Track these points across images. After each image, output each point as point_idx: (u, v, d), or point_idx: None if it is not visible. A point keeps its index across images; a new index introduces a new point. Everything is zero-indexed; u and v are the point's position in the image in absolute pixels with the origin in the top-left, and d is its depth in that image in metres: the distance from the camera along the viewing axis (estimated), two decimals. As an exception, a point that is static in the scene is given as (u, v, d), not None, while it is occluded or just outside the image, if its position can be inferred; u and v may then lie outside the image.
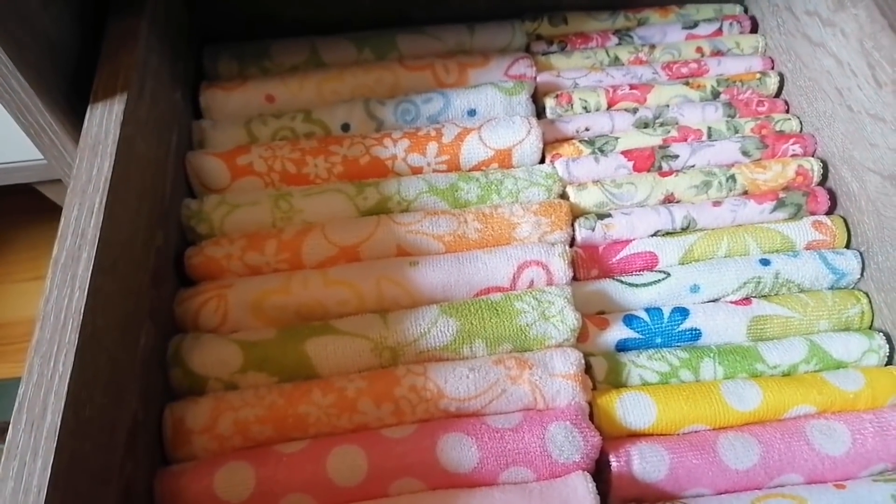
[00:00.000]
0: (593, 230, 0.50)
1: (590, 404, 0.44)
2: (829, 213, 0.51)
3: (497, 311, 0.45)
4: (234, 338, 0.45)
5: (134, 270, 0.41)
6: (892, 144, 0.44)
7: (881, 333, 0.46)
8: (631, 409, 0.44)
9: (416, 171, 0.53)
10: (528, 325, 0.45)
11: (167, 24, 0.53)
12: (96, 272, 0.36)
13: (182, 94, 0.55)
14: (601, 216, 0.50)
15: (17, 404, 0.31)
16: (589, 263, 0.49)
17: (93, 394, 0.34)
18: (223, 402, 0.43)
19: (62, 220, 0.37)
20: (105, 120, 0.42)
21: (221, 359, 0.44)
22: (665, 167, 0.53)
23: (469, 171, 0.54)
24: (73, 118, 0.45)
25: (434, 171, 0.54)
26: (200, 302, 0.47)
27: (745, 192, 0.52)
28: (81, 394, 0.33)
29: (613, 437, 0.44)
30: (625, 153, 0.53)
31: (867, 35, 0.46)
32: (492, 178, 0.52)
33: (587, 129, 0.56)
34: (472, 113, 0.56)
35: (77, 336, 0.33)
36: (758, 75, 0.57)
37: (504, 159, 0.53)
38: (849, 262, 0.48)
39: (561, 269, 0.47)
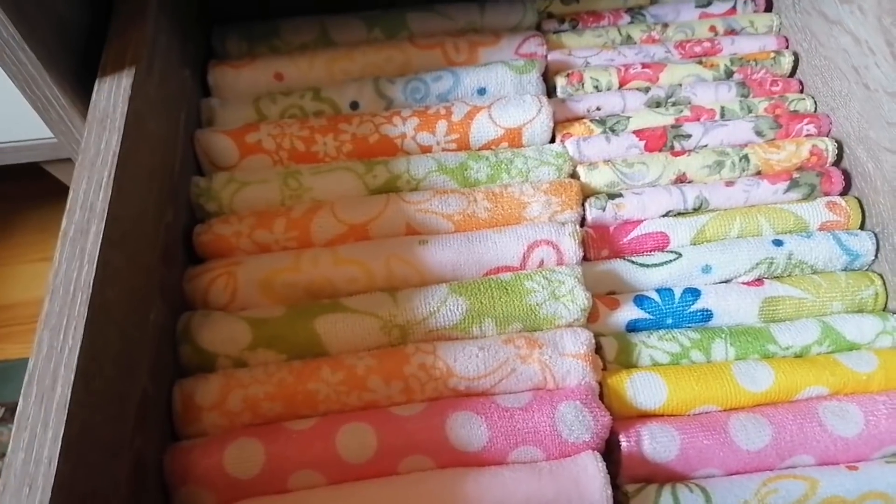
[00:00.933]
0: (604, 210, 0.50)
1: (600, 384, 0.44)
2: (844, 193, 0.51)
3: (507, 290, 0.45)
4: (243, 315, 0.45)
5: (143, 246, 0.41)
6: (910, 123, 0.43)
7: (895, 315, 0.46)
8: (641, 389, 0.43)
9: (426, 149, 0.53)
10: (538, 304, 0.45)
11: (176, 3, 0.52)
12: (105, 246, 0.36)
13: (191, 73, 0.54)
14: (612, 196, 0.50)
15: (27, 376, 0.31)
16: (599, 243, 0.49)
17: (102, 366, 0.34)
18: (233, 379, 0.43)
19: (70, 193, 0.37)
20: (113, 94, 0.42)
21: (231, 336, 0.44)
22: (677, 147, 0.52)
23: (479, 149, 0.53)
24: (82, 93, 0.45)
25: (444, 149, 0.53)
26: (210, 279, 0.46)
27: (759, 173, 0.51)
28: (91, 366, 0.32)
29: (624, 417, 0.43)
30: (636, 133, 0.53)
31: (885, 11, 0.45)
32: (502, 157, 0.51)
33: (598, 109, 0.55)
34: (482, 91, 0.55)
35: (87, 308, 0.33)
36: (772, 54, 0.56)
37: (514, 138, 0.53)
38: (863, 244, 0.48)
39: (571, 249, 0.47)
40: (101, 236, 0.35)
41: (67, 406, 0.30)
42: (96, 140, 0.39)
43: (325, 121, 0.53)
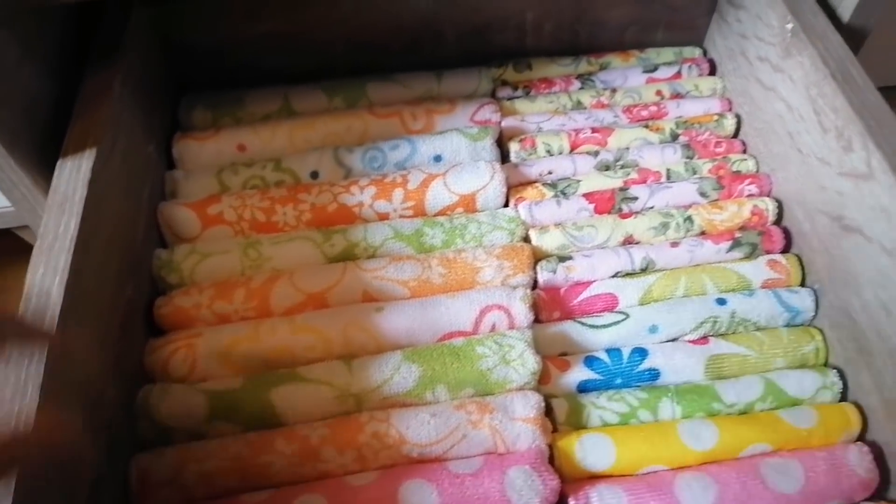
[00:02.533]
0: (555, 272, 0.51)
1: (550, 447, 0.45)
2: (786, 251, 0.53)
3: (459, 356, 0.46)
4: (201, 387, 0.46)
5: (102, 324, 0.43)
6: (838, 188, 0.46)
7: (835, 370, 0.47)
8: (590, 450, 0.44)
9: (383, 217, 0.55)
10: (489, 369, 0.46)
11: (143, 77, 0.55)
12: (63, 332, 0.37)
13: (156, 146, 0.56)
14: (563, 258, 0.52)
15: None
16: (551, 305, 0.51)
17: (52, 452, 0.35)
18: (188, 454, 0.43)
19: (27, 278, 0.39)
20: (73, 178, 0.43)
21: (188, 409, 0.45)
22: (625, 209, 0.54)
23: (434, 216, 0.55)
24: (46, 173, 0.46)
25: (400, 216, 0.55)
26: (169, 352, 0.48)
27: (703, 233, 0.53)
28: (37, 454, 0.33)
29: (574, 478, 0.44)
30: (586, 196, 0.55)
31: (812, 82, 0.47)
32: (456, 222, 0.53)
33: (550, 173, 0.57)
34: (437, 158, 0.57)
35: (38, 393, 0.34)
36: (715, 117, 0.59)
37: (469, 204, 0.55)
38: (803, 300, 0.50)
39: (522, 313, 0.48)
40: (55, 321, 0.37)
41: (12, 495, 0.31)
42: (54, 224, 0.41)
43: (285, 191, 0.55)
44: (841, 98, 0.44)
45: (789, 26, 0.49)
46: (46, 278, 0.38)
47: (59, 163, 0.44)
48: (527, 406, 0.45)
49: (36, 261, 0.39)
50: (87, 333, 0.40)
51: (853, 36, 0.50)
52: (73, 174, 0.43)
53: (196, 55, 0.61)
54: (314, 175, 0.57)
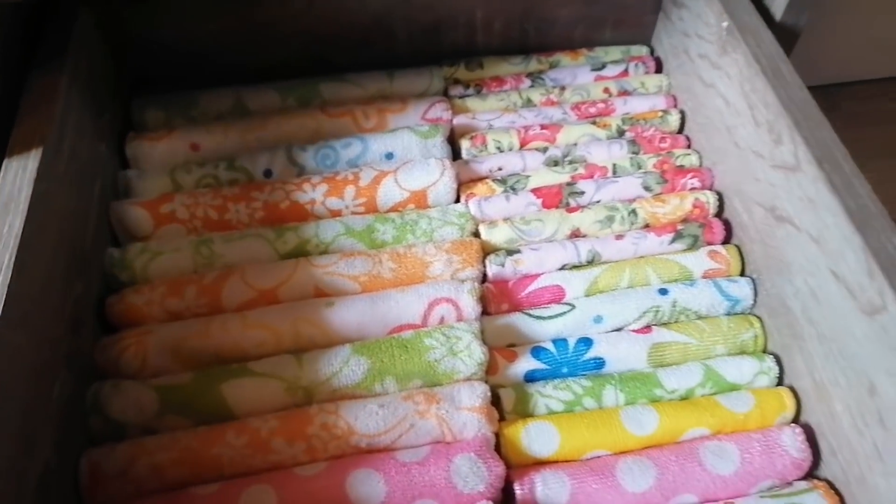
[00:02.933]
0: (503, 266, 0.52)
1: (497, 435, 0.46)
2: (726, 242, 0.54)
3: (407, 348, 0.47)
4: (152, 383, 0.46)
5: (48, 322, 0.43)
6: (771, 180, 0.47)
7: (771, 356, 0.49)
8: (536, 437, 0.46)
9: (335, 214, 0.56)
10: (436, 360, 0.47)
11: (91, 78, 0.55)
12: (4, 327, 0.37)
13: (108, 146, 0.56)
14: (511, 252, 0.53)
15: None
16: (499, 298, 0.52)
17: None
18: (139, 447, 0.44)
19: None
20: (19, 177, 0.43)
21: (139, 405, 0.45)
22: (572, 203, 0.56)
23: (386, 212, 0.56)
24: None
25: (352, 213, 0.56)
26: (120, 349, 0.48)
27: (647, 226, 0.55)
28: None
29: (520, 465, 0.45)
30: (534, 191, 0.56)
31: (745, 78, 0.49)
32: (407, 218, 0.54)
33: (500, 169, 0.58)
34: (389, 156, 0.58)
35: (-20, 390, 0.34)
36: (660, 113, 0.61)
37: (420, 200, 0.56)
38: (742, 289, 0.51)
39: (470, 305, 0.49)
40: (-1, 318, 0.37)
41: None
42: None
43: (238, 189, 0.55)
44: (771, 93, 0.46)
45: (725, 24, 0.51)
46: (-10, 276, 0.39)
47: (4, 162, 0.44)
48: (473, 396, 0.46)
49: (-21, 259, 0.39)
50: (31, 331, 0.40)
51: (785, 34, 0.52)
52: (19, 173, 0.44)
53: (148, 54, 0.61)
54: (267, 173, 0.57)
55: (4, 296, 0.38)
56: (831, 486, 0.44)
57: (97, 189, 0.53)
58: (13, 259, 0.39)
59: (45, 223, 0.44)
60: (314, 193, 0.55)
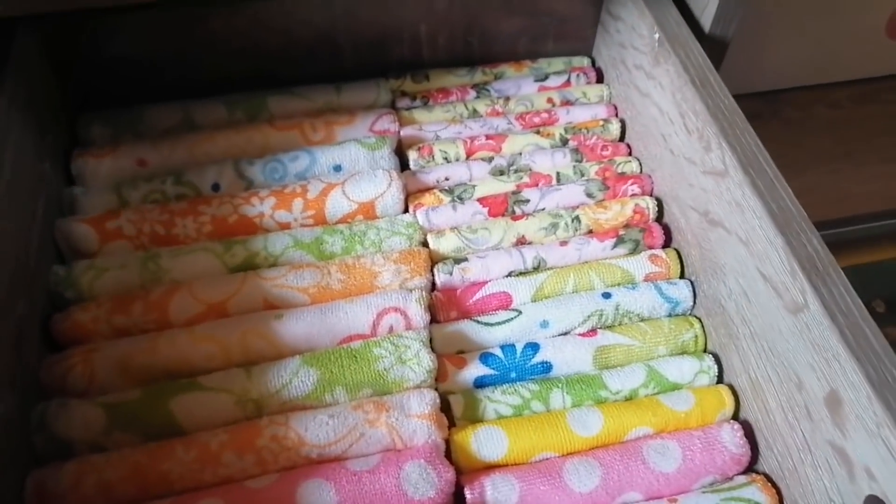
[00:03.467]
0: (451, 274, 0.53)
1: (447, 441, 0.47)
2: (666, 246, 0.56)
3: (356, 357, 0.48)
4: (99, 401, 0.46)
5: (-8, 344, 0.42)
6: (703, 185, 0.49)
7: (711, 355, 0.51)
8: (485, 442, 0.46)
9: (284, 226, 0.56)
10: (385, 369, 0.48)
11: (32, 98, 0.54)
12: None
13: (52, 164, 0.56)
14: (458, 260, 0.54)
15: None
16: (448, 306, 0.53)
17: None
18: (87, 465, 0.43)
19: None
20: (-44, 197, 0.43)
21: (85, 423, 0.45)
22: (518, 211, 0.57)
23: (335, 224, 0.56)
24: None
25: (301, 225, 0.56)
26: (66, 367, 0.47)
27: (590, 231, 0.56)
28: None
29: (471, 470, 0.46)
30: (480, 200, 0.57)
31: (677, 88, 0.51)
32: (355, 229, 0.55)
33: (447, 179, 0.59)
34: (337, 168, 0.59)
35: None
36: (601, 122, 0.62)
37: (368, 211, 0.57)
38: (681, 291, 0.53)
39: (418, 314, 0.50)
40: (-66, 340, 0.37)
41: None
42: (-65, 244, 0.41)
43: (185, 204, 0.55)
44: (700, 102, 0.48)
45: (656, 36, 0.53)
46: (-74, 297, 0.38)
47: (-59, 181, 0.44)
48: (422, 403, 0.46)
49: (-85, 280, 0.39)
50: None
51: (713, 45, 0.54)
52: (-43, 193, 0.43)
53: (93, 71, 0.61)
54: (215, 187, 0.57)
55: (-59, 317, 0.37)
56: (769, 479, 0.46)
57: (40, 208, 0.52)
58: (-49, 280, 0.39)
59: (-16, 243, 0.43)
60: (262, 207, 0.56)
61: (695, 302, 0.53)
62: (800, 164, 0.85)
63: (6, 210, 0.47)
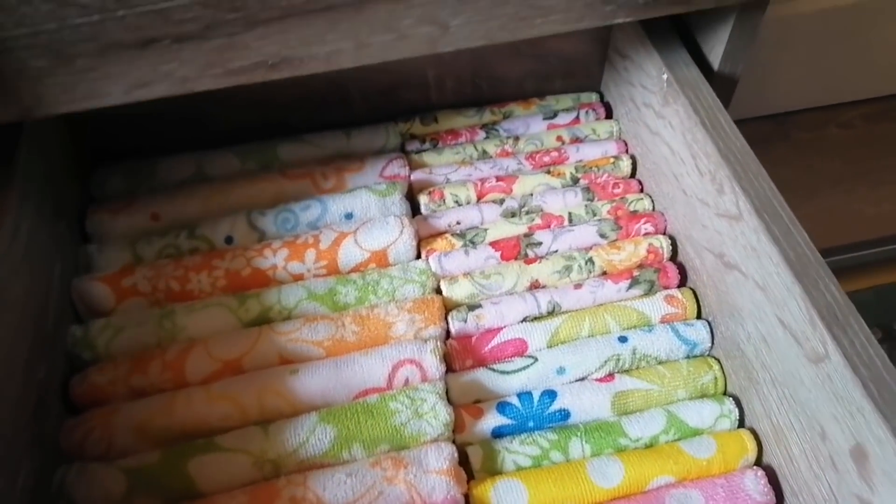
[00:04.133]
0: (465, 321, 0.53)
1: (466, 496, 0.46)
2: (682, 285, 0.56)
3: (372, 413, 0.48)
4: (119, 465, 0.46)
5: (10, 411, 0.43)
6: (717, 227, 0.49)
7: (731, 398, 0.50)
8: (504, 496, 0.46)
9: (297, 277, 0.56)
10: (402, 424, 0.47)
11: (48, 158, 0.55)
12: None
13: (67, 223, 0.57)
14: (472, 307, 0.54)
15: None
16: (463, 354, 0.52)
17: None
18: (107, 532, 0.44)
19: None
20: (-26, 269, 0.44)
21: (105, 488, 0.45)
22: (530, 254, 0.57)
23: (348, 273, 0.56)
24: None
25: (314, 276, 0.56)
26: (84, 431, 0.48)
27: (604, 273, 0.56)
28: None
29: (491, 525, 0.46)
30: (493, 244, 0.57)
31: (687, 129, 0.51)
32: (368, 279, 0.55)
33: (458, 223, 0.59)
34: (349, 216, 0.59)
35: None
36: (612, 159, 0.62)
37: (380, 259, 0.57)
38: (699, 333, 0.52)
39: (433, 366, 0.50)
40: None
41: None
42: (-45, 318, 0.41)
43: (199, 258, 0.56)
44: (711, 145, 0.47)
45: (665, 76, 0.53)
46: (-54, 373, 0.38)
47: (-40, 253, 0.44)
48: (440, 458, 0.46)
49: (-65, 357, 0.39)
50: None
51: (722, 82, 0.54)
52: (-25, 264, 0.44)
53: (107, 127, 0.61)
54: (228, 240, 0.58)
55: (-38, 395, 0.38)
56: (795, 526, 0.45)
57: (57, 269, 0.53)
58: (-30, 355, 0.39)
59: (4, 313, 0.44)
60: (275, 259, 0.56)
61: (713, 343, 0.52)
62: (811, 186, 0.84)
63: (25, 276, 0.47)
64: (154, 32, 0.41)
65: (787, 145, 0.86)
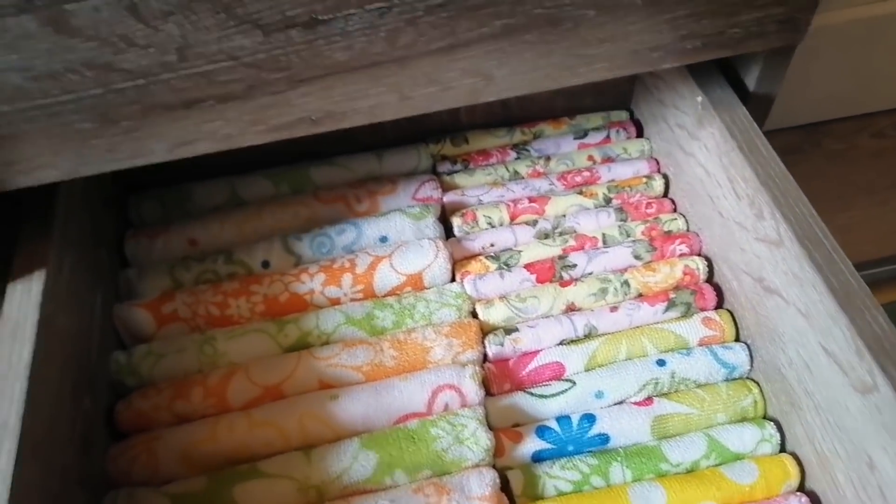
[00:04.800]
0: (502, 345, 0.53)
1: (508, 521, 0.46)
2: (719, 306, 0.56)
3: (414, 439, 0.48)
4: (165, 490, 0.47)
5: (59, 445, 0.43)
6: (756, 251, 0.49)
7: (772, 423, 0.50)
8: (546, 522, 0.46)
9: (334, 302, 0.57)
10: (444, 449, 0.48)
11: (86, 187, 0.56)
12: (19, 464, 0.38)
13: (106, 249, 0.57)
14: (509, 331, 0.54)
15: None
16: (501, 378, 0.53)
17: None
18: (156, 561, 0.44)
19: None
20: (24, 302, 0.44)
21: (153, 515, 0.46)
22: (565, 276, 0.57)
23: (384, 296, 0.57)
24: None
25: (351, 300, 0.57)
26: (130, 458, 0.48)
27: (640, 295, 0.56)
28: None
29: (533, 550, 0.46)
30: (527, 266, 0.57)
31: (723, 152, 0.51)
32: (405, 302, 0.55)
33: (492, 245, 0.59)
34: (383, 239, 0.59)
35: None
36: (644, 179, 0.62)
37: (416, 283, 0.57)
38: (738, 356, 0.52)
39: (473, 391, 0.50)
40: (14, 455, 0.38)
41: None
42: (7, 353, 0.42)
43: (237, 284, 0.56)
44: (749, 169, 0.47)
45: (699, 99, 0.53)
46: (2, 409, 0.39)
47: (8, 288, 0.45)
48: (482, 484, 0.46)
49: (-10, 392, 0.40)
50: (44, 461, 0.41)
51: (758, 104, 0.53)
52: (24, 298, 0.45)
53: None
54: (265, 264, 0.58)
55: (20, 431, 0.38)
56: (840, 553, 0.45)
57: (99, 297, 0.54)
58: (25, 390, 0.40)
59: (51, 346, 0.44)
60: (312, 283, 0.56)
61: (752, 365, 0.52)
62: (845, 197, 0.83)
63: (70, 310, 0.48)
64: (198, 94, 0.42)
65: (820, 155, 0.85)
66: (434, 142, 0.66)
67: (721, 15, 0.45)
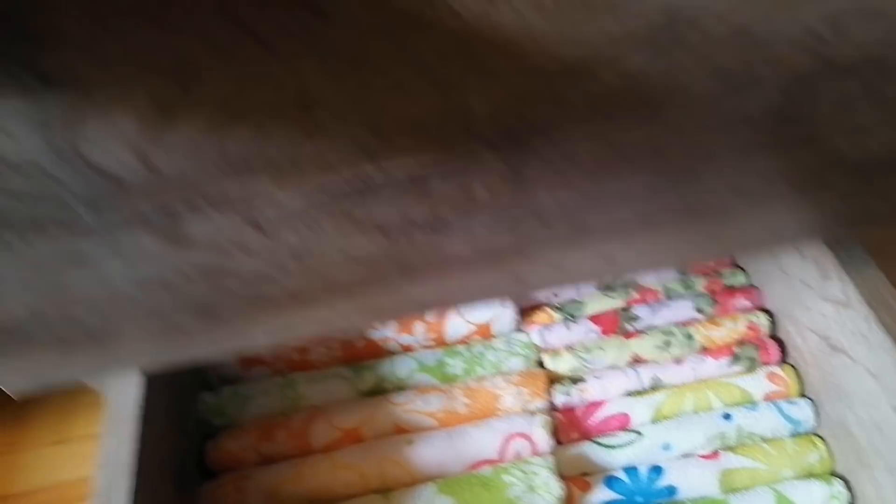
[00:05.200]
0: (570, 395, 0.55)
1: (579, 569, 0.48)
2: (783, 360, 0.57)
3: (487, 485, 0.50)
4: (252, 528, 0.50)
5: (163, 480, 0.47)
6: (822, 310, 0.50)
7: (840, 480, 0.51)
8: (617, 571, 0.48)
9: (407, 349, 0.59)
10: (517, 497, 0.50)
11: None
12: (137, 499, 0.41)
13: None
14: (575, 380, 0.56)
15: None
16: (569, 427, 0.55)
17: None
18: None
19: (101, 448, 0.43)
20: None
21: (243, 552, 0.49)
22: (630, 328, 0.59)
23: (454, 344, 0.59)
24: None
25: (423, 347, 0.59)
26: (221, 495, 0.51)
27: (703, 349, 0.57)
28: None
29: None
30: (592, 318, 0.59)
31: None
32: (475, 350, 0.58)
33: (556, 295, 0.62)
34: (454, 289, 0.62)
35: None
36: (706, 234, 0.64)
37: (485, 331, 0.60)
38: (803, 411, 0.53)
39: (543, 439, 0.52)
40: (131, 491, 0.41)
41: None
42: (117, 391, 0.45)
43: (316, 330, 0.60)
44: (815, 232, 0.49)
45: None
46: (121, 449, 0.43)
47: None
48: (554, 532, 0.48)
49: (107, 429, 0.43)
50: (150, 497, 0.44)
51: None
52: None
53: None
54: (341, 311, 0.62)
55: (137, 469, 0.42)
56: None
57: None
58: (138, 430, 0.44)
59: (156, 385, 0.48)
60: (387, 331, 0.59)
61: (818, 421, 0.53)
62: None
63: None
64: (310, 292, 0.39)
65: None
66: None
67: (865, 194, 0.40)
